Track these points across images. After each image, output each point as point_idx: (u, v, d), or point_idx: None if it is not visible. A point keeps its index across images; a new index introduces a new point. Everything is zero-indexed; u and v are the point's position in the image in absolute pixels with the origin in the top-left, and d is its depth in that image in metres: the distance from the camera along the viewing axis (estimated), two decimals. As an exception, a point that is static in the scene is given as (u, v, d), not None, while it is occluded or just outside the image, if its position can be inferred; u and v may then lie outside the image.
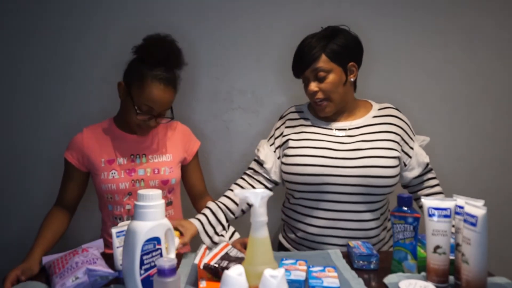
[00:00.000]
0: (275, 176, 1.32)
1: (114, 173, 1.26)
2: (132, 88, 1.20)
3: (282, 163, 1.29)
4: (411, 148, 1.29)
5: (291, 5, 1.67)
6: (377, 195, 1.21)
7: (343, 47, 1.22)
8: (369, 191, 1.20)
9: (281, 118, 1.40)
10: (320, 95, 1.23)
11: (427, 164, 1.31)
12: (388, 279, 0.95)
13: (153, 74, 1.18)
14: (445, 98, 1.72)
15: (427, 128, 1.70)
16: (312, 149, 1.24)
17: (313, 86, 1.23)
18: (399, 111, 1.33)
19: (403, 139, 1.27)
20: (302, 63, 1.23)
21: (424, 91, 1.71)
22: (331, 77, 1.21)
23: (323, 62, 1.21)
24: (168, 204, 1.34)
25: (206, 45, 1.67)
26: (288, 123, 1.35)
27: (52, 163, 1.62)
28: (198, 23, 1.67)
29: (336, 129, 1.28)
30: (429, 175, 1.34)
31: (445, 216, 0.91)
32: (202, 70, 1.69)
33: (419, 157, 1.29)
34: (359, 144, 1.23)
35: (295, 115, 1.36)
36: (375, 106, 1.33)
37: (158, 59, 1.19)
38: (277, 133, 1.36)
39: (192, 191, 1.44)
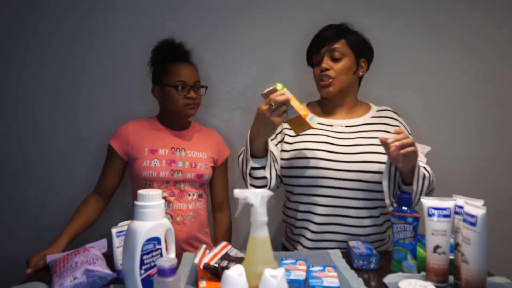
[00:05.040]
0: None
1: (156, 161, 1.36)
2: (163, 80, 1.39)
3: (282, 158, 1.30)
4: None
5: (291, 5, 1.67)
6: (375, 192, 1.21)
7: (361, 41, 1.33)
8: (366, 187, 1.20)
9: None
10: (329, 73, 1.28)
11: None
12: (388, 279, 0.95)
13: (170, 62, 1.41)
14: (446, 98, 1.71)
15: (427, 129, 1.70)
16: (311, 143, 1.26)
17: (326, 63, 1.28)
18: (397, 114, 1.36)
19: None
20: (323, 41, 1.29)
21: (425, 91, 1.71)
22: (344, 61, 1.29)
23: (342, 44, 1.29)
24: (200, 196, 1.44)
25: (206, 45, 1.67)
26: None
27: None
28: (198, 23, 1.67)
29: (335, 125, 1.31)
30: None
31: (445, 216, 0.91)
32: (202, 70, 1.68)
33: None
34: (357, 140, 1.25)
35: None
36: (374, 108, 1.37)
37: (166, 54, 1.42)
38: (278, 129, 1.37)
39: (213, 197, 1.54)
